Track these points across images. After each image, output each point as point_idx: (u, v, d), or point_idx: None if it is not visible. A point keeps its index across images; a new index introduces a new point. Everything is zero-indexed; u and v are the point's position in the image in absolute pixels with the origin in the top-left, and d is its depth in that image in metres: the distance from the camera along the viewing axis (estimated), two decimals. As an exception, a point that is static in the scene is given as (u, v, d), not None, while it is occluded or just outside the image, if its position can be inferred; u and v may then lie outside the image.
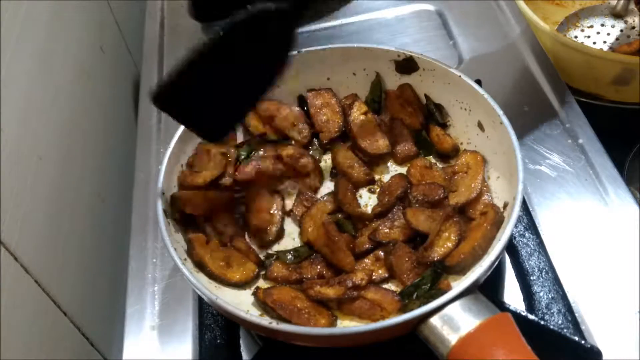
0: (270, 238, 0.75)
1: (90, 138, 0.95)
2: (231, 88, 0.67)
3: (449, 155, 0.80)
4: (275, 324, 0.59)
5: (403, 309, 0.64)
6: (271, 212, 0.76)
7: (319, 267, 0.71)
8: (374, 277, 0.68)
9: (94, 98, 0.99)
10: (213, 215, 0.74)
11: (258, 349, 0.71)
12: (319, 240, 0.71)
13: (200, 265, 0.68)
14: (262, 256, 0.74)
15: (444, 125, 0.81)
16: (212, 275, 0.68)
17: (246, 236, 0.76)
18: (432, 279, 0.66)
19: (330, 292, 0.66)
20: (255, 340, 0.72)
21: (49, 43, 0.85)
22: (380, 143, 0.80)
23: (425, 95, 0.82)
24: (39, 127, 0.78)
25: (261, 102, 0.82)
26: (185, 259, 0.68)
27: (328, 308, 0.67)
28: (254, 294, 0.68)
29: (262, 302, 0.66)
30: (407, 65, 0.82)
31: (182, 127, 0.76)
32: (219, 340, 0.71)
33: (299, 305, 0.65)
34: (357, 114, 0.82)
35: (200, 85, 0.63)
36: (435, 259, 0.66)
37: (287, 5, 0.64)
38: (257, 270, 0.71)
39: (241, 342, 0.72)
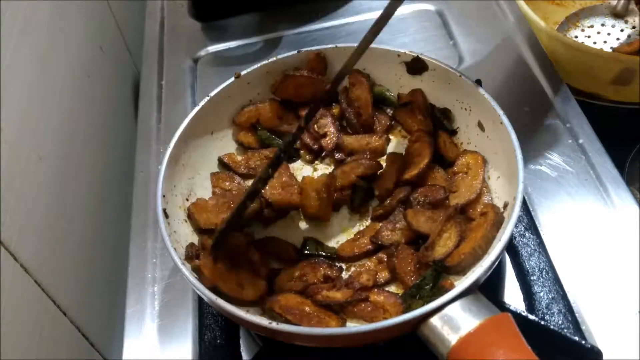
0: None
1: (90, 138, 0.95)
2: None
3: (450, 163, 0.78)
4: (275, 324, 0.59)
5: (406, 311, 0.63)
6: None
7: (322, 269, 0.70)
8: (377, 280, 0.68)
9: (94, 98, 0.99)
10: None
11: (258, 349, 0.71)
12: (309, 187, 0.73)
13: (215, 291, 0.64)
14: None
15: (454, 132, 0.81)
16: (228, 299, 0.64)
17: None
18: (433, 279, 0.66)
19: (338, 295, 0.66)
20: (255, 341, 0.72)
21: (49, 43, 0.85)
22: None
23: (431, 104, 0.82)
24: (39, 127, 0.78)
25: (240, 114, 0.83)
26: (184, 260, 0.68)
27: (334, 311, 0.66)
28: (259, 301, 0.67)
29: (269, 309, 0.65)
30: (416, 65, 0.81)
31: (182, 127, 0.76)
32: (219, 340, 0.71)
33: (307, 309, 0.65)
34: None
35: None
36: (436, 258, 0.66)
37: None
38: (267, 285, 0.69)
39: (241, 342, 0.73)
